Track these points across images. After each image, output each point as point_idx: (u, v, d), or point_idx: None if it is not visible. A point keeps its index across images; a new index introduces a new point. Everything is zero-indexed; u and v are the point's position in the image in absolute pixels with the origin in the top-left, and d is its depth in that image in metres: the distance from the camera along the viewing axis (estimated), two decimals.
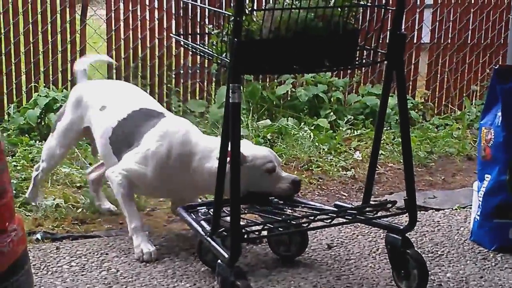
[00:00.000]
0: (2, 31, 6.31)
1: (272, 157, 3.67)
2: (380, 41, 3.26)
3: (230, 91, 2.90)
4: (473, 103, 7.56)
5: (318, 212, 3.40)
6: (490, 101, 3.98)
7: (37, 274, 3.46)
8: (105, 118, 4.03)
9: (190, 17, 6.86)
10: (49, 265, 3.58)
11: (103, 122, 4.03)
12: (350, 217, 3.45)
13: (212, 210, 3.31)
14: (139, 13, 6.69)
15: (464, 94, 7.67)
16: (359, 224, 4.07)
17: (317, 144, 5.90)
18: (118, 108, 4.03)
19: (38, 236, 3.97)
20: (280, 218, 3.39)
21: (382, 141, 4.45)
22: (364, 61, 3.46)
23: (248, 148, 3.69)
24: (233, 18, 2.88)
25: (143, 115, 3.95)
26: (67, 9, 6.49)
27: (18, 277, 3.09)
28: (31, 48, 6.40)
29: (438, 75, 7.63)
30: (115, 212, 4.32)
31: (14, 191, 3.50)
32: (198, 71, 6.95)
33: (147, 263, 3.63)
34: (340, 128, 6.49)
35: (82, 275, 3.50)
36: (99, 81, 4.80)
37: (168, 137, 3.78)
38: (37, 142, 5.70)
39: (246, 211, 3.53)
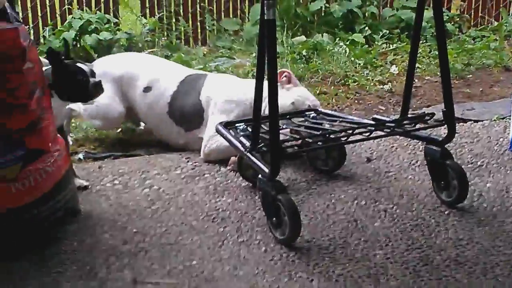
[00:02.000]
0: None
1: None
2: None
3: (265, 8, 2.88)
4: (510, 14, 7.45)
5: (356, 126, 3.40)
6: None
7: (82, 192, 3.52)
8: (155, 97, 4.16)
9: None
10: (93, 184, 3.63)
11: (154, 102, 4.15)
12: (389, 130, 3.45)
13: (250, 126, 3.33)
14: None
15: (501, 5, 7.55)
16: (397, 137, 4.08)
17: (352, 59, 5.87)
18: (165, 85, 4.17)
19: (80, 156, 4.03)
20: (318, 133, 3.41)
21: (418, 55, 4.41)
22: None
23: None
24: None
25: (190, 81, 4.15)
26: None
27: (64, 195, 3.16)
28: None
29: None
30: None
31: None
32: None
33: None
34: (376, 42, 6.44)
35: (125, 192, 3.56)
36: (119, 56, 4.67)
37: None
38: None
39: (284, 126, 3.55)
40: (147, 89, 4.18)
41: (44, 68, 3.09)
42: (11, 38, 2.85)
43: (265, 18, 2.89)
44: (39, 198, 3.02)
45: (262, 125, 3.28)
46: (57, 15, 6.43)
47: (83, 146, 4.19)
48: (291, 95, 3.87)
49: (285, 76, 3.95)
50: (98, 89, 3.20)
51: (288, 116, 3.67)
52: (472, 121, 4.60)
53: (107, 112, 4.15)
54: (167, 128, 4.16)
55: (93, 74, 3.19)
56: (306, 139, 3.31)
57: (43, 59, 4.45)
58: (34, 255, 2.94)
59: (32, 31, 6.29)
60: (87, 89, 3.16)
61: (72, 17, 6.24)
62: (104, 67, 4.17)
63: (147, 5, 6.68)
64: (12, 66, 2.87)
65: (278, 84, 3.73)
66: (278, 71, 3.79)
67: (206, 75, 4.22)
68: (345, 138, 3.34)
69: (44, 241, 3.04)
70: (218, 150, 3.90)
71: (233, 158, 3.79)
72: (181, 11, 6.73)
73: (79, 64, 3.18)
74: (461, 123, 4.51)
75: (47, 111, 3.06)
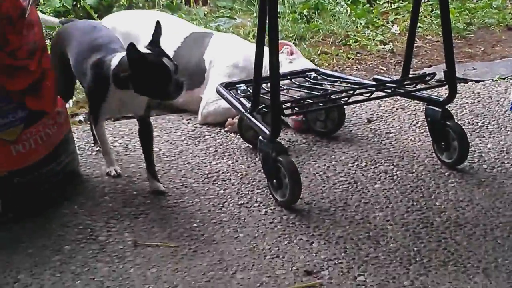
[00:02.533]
0: None
1: None
2: None
3: None
4: None
5: (357, 86, 3.39)
6: None
7: (82, 154, 3.52)
8: None
9: None
10: (93, 146, 3.63)
11: None
12: (389, 91, 3.44)
13: (251, 87, 3.32)
14: None
15: None
16: (398, 97, 4.07)
17: (354, 18, 5.83)
18: (169, 39, 4.07)
19: (81, 117, 4.02)
20: (319, 93, 3.40)
21: (420, 14, 4.39)
22: None
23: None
24: None
25: (195, 39, 4.15)
26: None
27: (65, 157, 3.16)
28: None
29: None
30: None
31: None
32: None
33: None
34: (377, 1, 6.38)
35: (125, 154, 3.56)
36: (128, 13, 4.72)
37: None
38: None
39: (285, 87, 3.54)
40: None
41: (120, 56, 3.00)
42: None
43: None
44: (40, 161, 3.03)
45: (263, 86, 3.28)
46: None
47: (83, 108, 4.18)
48: (294, 67, 3.85)
49: (287, 48, 3.94)
50: (179, 88, 2.94)
51: (288, 77, 3.66)
52: (474, 81, 4.58)
53: None
54: None
55: (176, 70, 2.95)
56: (307, 100, 3.30)
57: (50, 18, 4.52)
58: (35, 218, 2.95)
59: None
60: (168, 88, 2.93)
61: None
62: (113, 23, 4.17)
63: None
64: (12, 27, 2.86)
65: (281, 54, 3.76)
66: (280, 42, 3.80)
67: (212, 35, 4.20)
68: (346, 98, 3.33)
69: (44, 204, 3.05)
70: (216, 113, 3.90)
71: (229, 120, 3.79)
72: None
73: (164, 60, 2.91)
74: (462, 83, 4.49)
75: (47, 72, 3.06)
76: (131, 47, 2.82)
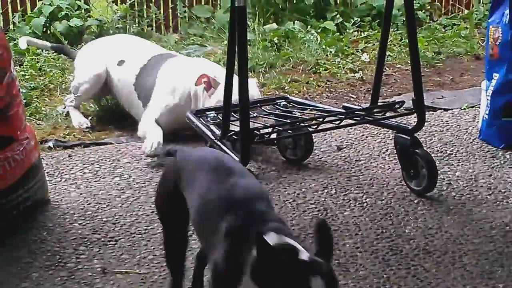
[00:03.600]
0: None
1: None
2: None
3: None
4: (481, 2, 7.47)
5: (327, 114, 3.41)
6: None
7: (51, 181, 3.50)
8: (127, 68, 4.31)
9: None
10: (63, 172, 3.62)
11: (125, 73, 4.30)
12: (359, 118, 3.46)
13: (221, 114, 3.33)
14: None
15: None
16: (368, 125, 4.09)
17: (324, 47, 5.87)
18: (137, 58, 4.32)
19: (50, 144, 4.00)
20: (288, 121, 3.41)
21: (389, 42, 4.43)
22: None
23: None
24: None
25: (157, 59, 4.25)
26: None
27: (33, 184, 3.14)
28: None
29: None
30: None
31: (24, 100, 3.51)
32: None
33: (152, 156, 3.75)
34: (347, 30, 6.43)
35: (95, 181, 3.54)
36: (105, 39, 4.89)
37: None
38: (44, 51, 5.68)
39: (255, 115, 3.55)
40: (121, 62, 4.33)
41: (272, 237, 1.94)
42: None
43: (236, 4, 2.89)
44: (7, 187, 3.01)
45: (232, 113, 3.28)
46: (27, 1, 6.36)
47: (52, 134, 4.17)
48: (212, 102, 3.87)
49: (204, 81, 3.96)
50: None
51: (258, 104, 3.67)
52: (442, 110, 4.62)
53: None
54: (132, 99, 4.26)
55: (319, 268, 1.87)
56: (276, 127, 3.30)
57: (42, 41, 4.57)
58: (2, 245, 2.93)
59: (1, 17, 6.24)
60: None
61: (42, 3, 6.19)
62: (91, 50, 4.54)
63: None
64: None
65: (200, 89, 3.93)
66: (198, 74, 3.88)
67: (170, 57, 4.28)
68: (315, 126, 3.34)
69: (13, 231, 3.02)
70: (144, 133, 3.98)
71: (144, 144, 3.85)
72: None
73: (303, 258, 1.89)
74: (431, 111, 4.53)
75: (16, 99, 3.04)
76: (261, 242, 1.86)
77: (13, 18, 6.28)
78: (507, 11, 3.83)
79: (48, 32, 6.05)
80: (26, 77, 5.05)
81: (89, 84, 4.39)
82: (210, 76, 3.92)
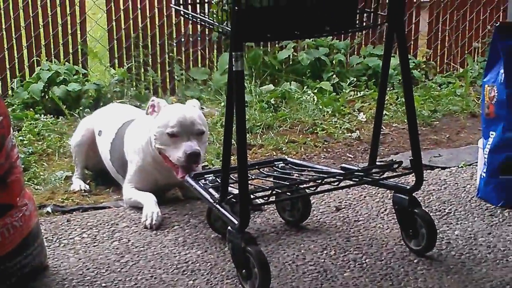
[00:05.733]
0: (2, 5, 6.29)
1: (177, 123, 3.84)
2: (380, 2, 3.25)
3: (233, 59, 2.91)
4: (476, 60, 7.56)
5: (325, 175, 3.41)
6: (492, 58, 3.98)
7: (49, 246, 3.49)
8: (103, 141, 4.33)
9: None
10: (61, 237, 3.62)
11: (103, 146, 4.33)
12: (357, 179, 3.46)
13: (219, 177, 3.34)
14: None
15: (466, 52, 7.66)
16: (366, 185, 4.10)
17: (320, 107, 5.91)
18: (108, 130, 4.31)
19: (49, 209, 4.00)
20: (287, 183, 3.42)
21: (385, 102, 4.46)
22: (364, 24, 3.45)
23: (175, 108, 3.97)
24: None
25: (124, 128, 4.22)
26: None
27: (32, 250, 3.13)
28: (31, 22, 6.39)
29: (439, 34, 7.62)
30: None
31: (22, 166, 3.53)
32: (199, 39, 6.94)
33: (155, 229, 3.70)
34: (343, 90, 6.48)
35: (94, 246, 3.54)
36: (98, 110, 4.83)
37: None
38: (42, 115, 5.73)
39: (253, 177, 3.56)
40: (100, 132, 4.36)
41: None
42: None
43: (234, 69, 2.92)
44: (6, 254, 3.00)
45: (231, 176, 3.29)
46: (25, 67, 6.42)
47: (51, 199, 4.17)
48: (157, 122, 3.91)
49: (150, 105, 3.99)
50: None
51: (256, 167, 3.68)
52: (440, 168, 4.63)
53: None
54: (114, 174, 4.29)
55: None
56: (275, 189, 3.31)
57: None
58: None
59: (0, 83, 6.29)
60: None
61: (41, 69, 6.24)
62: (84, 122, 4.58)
63: (116, 55, 6.69)
64: None
65: (144, 113, 4.01)
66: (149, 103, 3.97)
67: (132, 121, 4.24)
68: (314, 188, 3.35)
69: None
70: (130, 202, 4.00)
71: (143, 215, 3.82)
72: (149, 61, 6.75)
73: None
74: (428, 170, 4.54)
75: (15, 165, 3.05)
76: None
77: (11, 84, 6.33)
78: (502, 70, 3.87)
79: (46, 97, 6.09)
80: (25, 142, 5.06)
81: (75, 152, 4.48)
82: (155, 101, 3.96)
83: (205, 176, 3.49)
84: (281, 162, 3.72)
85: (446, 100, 6.27)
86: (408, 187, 3.42)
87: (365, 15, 3.37)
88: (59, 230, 3.69)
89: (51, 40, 6.48)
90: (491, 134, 3.95)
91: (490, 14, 7.72)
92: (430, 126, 5.71)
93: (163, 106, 3.94)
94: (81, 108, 5.89)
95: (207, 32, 6.90)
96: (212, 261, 3.35)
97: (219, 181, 3.32)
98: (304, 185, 3.40)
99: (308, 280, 3.17)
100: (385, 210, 3.91)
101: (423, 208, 3.45)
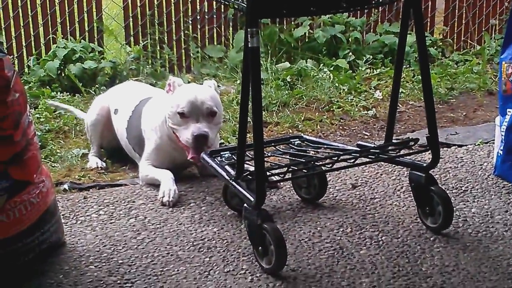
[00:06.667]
0: None
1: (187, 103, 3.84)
2: None
3: (249, 36, 2.90)
4: (493, 38, 7.51)
5: (341, 153, 3.40)
6: (509, 35, 3.94)
7: (66, 223, 3.51)
8: (120, 120, 4.33)
9: None
10: (78, 215, 3.63)
11: (119, 125, 4.33)
12: (373, 156, 3.46)
13: (235, 154, 3.34)
14: None
15: (483, 29, 7.61)
16: (382, 163, 4.09)
17: (337, 84, 5.90)
18: (125, 109, 4.31)
19: (66, 186, 4.02)
20: (303, 160, 3.41)
21: (402, 79, 4.44)
22: (381, 0, 3.43)
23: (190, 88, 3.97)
24: None
25: (141, 106, 4.22)
26: None
27: (49, 226, 3.15)
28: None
29: (456, 11, 7.56)
30: None
31: (39, 143, 3.53)
32: (214, 16, 6.92)
33: (171, 206, 3.71)
34: (359, 68, 6.47)
35: (110, 223, 3.55)
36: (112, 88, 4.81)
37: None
38: (59, 93, 5.74)
39: (269, 154, 3.56)
40: (116, 110, 4.36)
41: None
42: None
43: (249, 46, 2.90)
44: (24, 230, 3.02)
45: (247, 153, 3.29)
46: (41, 45, 6.43)
47: (68, 177, 4.18)
48: (173, 98, 3.93)
49: (168, 84, 4.03)
50: None
51: (272, 144, 3.68)
52: (456, 146, 4.61)
53: None
54: (130, 152, 4.28)
55: None
56: (291, 167, 3.31)
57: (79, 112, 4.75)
58: None
59: (16, 61, 6.30)
60: None
61: (57, 46, 6.25)
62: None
63: (132, 33, 6.69)
64: None
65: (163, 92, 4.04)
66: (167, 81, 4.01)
67: (149, 99, 4.25)
68: (330, 165, 3.34)
69: (29, 274, 3.03)
70: (147, 180, 4.02)
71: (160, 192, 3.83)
72: (165, 39, 6.74)
73: None
74: (445, 148, 4.53)
75: (32, 142, 3.06)
76: None
77: (28, 61, 6.35)
78: None
79: (63, 74, 6.10)
80: (41, 119, 5.08)
81: (90, 131, 4.50)
82: (171, 80, 3.99)
83: (221, 153, 3.49)
84: (297, 139, 3.72)
85: (463, 78, 6.24)
86: (425, 164, 3.41)
87: None
88: (76, 207, 3.71)
89: (67, 18, 6.47)
90: (508, 112, 3.92)
91: None
92: (447, 104, 5.68)
93: (178, 85, 3.94)
94: (97, 85, 5.90)
95: (222, 10, 6.88)
96: (228, 238, 3.36)
97: (235, 158, 3.32)
98: (320, 162, 3.39)
99: (324, 257, 3.17)
100: (402, 187, 3.90)
101: (440, 185, 3.44)
